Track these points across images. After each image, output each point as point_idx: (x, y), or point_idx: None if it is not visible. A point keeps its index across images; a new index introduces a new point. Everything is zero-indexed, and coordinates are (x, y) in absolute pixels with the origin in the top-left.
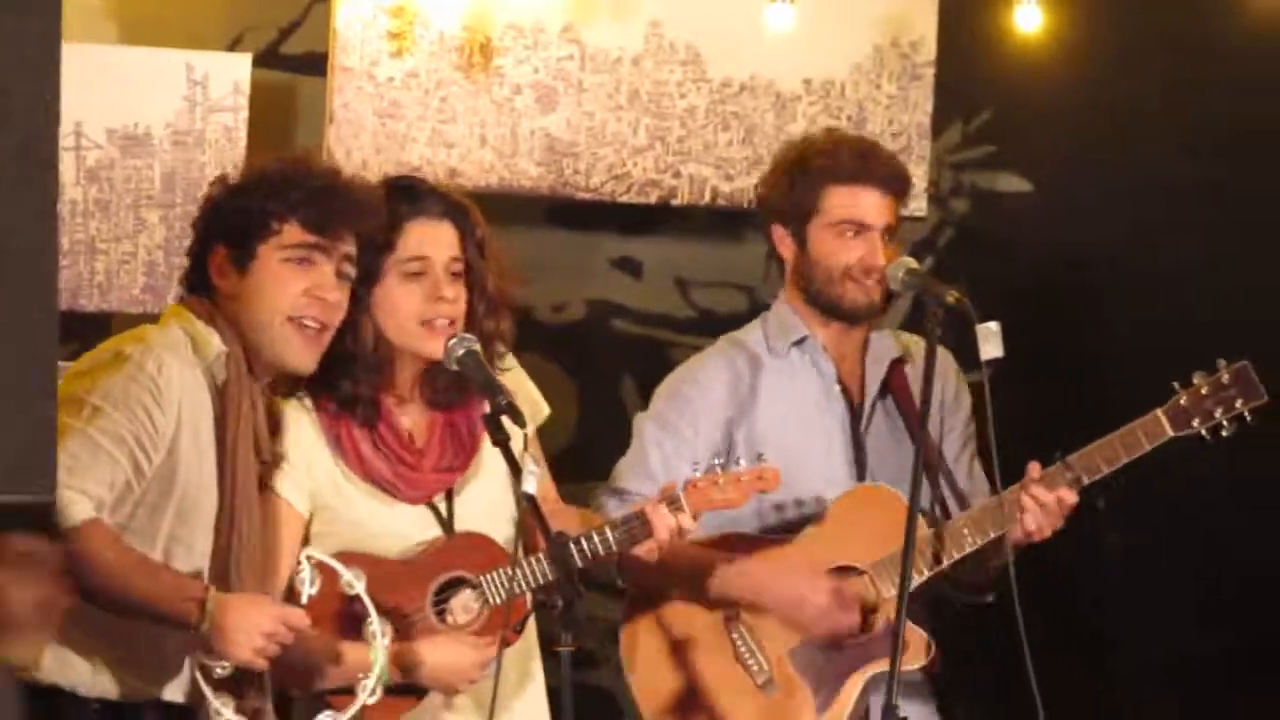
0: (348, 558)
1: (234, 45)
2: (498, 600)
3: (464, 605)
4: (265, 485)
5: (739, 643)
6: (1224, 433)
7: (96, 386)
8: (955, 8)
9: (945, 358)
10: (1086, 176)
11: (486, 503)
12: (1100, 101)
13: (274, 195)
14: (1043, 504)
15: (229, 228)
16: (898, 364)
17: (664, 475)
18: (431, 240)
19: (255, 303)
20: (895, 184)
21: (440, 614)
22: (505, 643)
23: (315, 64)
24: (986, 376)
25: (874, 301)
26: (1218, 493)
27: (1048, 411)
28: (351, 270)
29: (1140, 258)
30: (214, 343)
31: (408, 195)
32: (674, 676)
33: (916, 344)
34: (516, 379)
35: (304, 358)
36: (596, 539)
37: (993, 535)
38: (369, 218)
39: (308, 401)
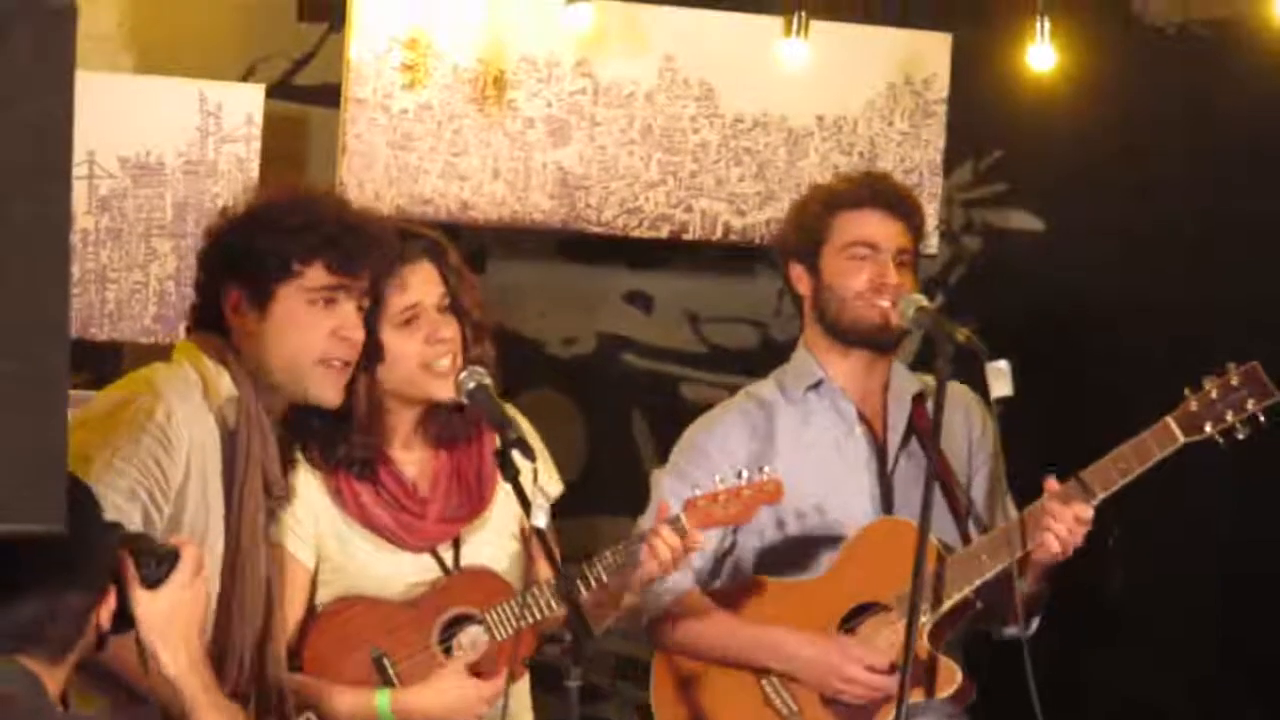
0: (349, 601)
1: (247, 76)
2: (504, 634)
3: (471, 641)
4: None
5: (766, 686)
6: (1238, 435)
7: (107, 440)
8: (968, 46)
9: (969, 395)
10: (1098, 215)
11: (495, 550)
12: (1111, 140)
13: (293, 237)
14: (1060, 521)
15: (244, 267)
16: (919, 401)
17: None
18: (419, 284)
19: (278, 345)
20: (902, 207)
21: (447, 651)
22: (512, 677)
23: (328, 95)
24: (995, 415)
25: (887, 323)
26: (1226, 526)
27: (1059, 448)
28: (367, 303)
29: (1151, 295)
30: (224, 384)
31: None
32: (699, 708)
33: (930, 384)
34: (538, 444)
35: (333, 394)
36: (599, 565)
37: (1010, 560)
38: (387, 254)
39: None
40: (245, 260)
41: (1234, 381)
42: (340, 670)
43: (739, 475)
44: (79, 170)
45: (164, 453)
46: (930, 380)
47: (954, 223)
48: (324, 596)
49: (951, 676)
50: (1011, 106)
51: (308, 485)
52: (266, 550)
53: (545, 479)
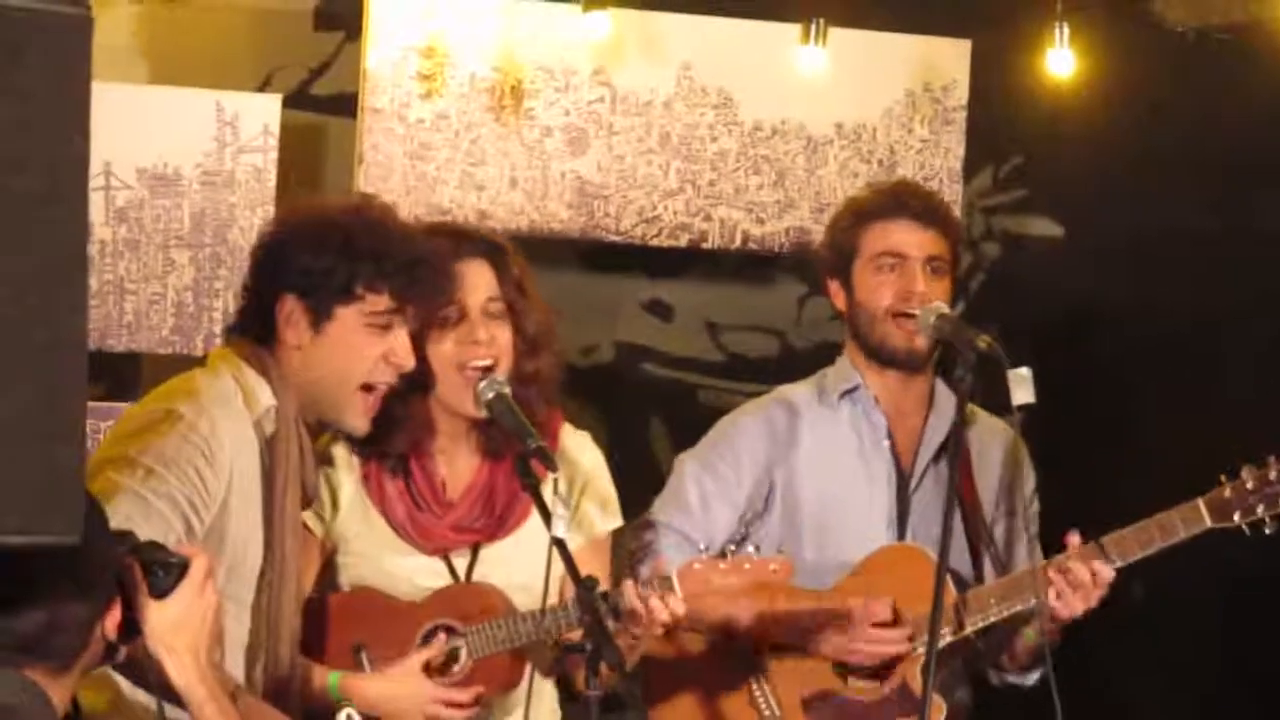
0: (355, 591)
1: (264, 86)
2: (478, 654)
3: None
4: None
5: (754, 687)
6: (1265, 529)
7: (149, 447)
8: (988, 52)
9: (1011, 435)
10: (1117, 221)
11: (519, 570)
12: (1132, 146)
13: (364, 260)
14: (1077, 581)
15: (305, 282)
16: (959, 427)
17: (701, 512)
18: (466, 283)
19: (327, 363)
20: (931, 216)
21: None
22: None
23: (345, 105)
24: (1018, 421)
25: (914, 345)
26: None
27: (1078, 455)
28: (415, 328)
29: (1170, 300)
30: (264, 396)
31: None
32: (684, 710)
33: (981, 414)
34: (598, 475)
35: (363, 421)
36: (560, 615)
37: (1019, 608)
38: (448, 286)
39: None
40: (307, 275)
41: (1272, 475)
42: (325, 653)
43: (751, 548)
44: (96, 181)
45: (206, 464)
46: (979, 411)
47: (974, 230)
48: (344, 580)
49: (938, 711)
50: (1031, 112)
51: (339, 461)
52: (302, 562)
53: (599, 512)
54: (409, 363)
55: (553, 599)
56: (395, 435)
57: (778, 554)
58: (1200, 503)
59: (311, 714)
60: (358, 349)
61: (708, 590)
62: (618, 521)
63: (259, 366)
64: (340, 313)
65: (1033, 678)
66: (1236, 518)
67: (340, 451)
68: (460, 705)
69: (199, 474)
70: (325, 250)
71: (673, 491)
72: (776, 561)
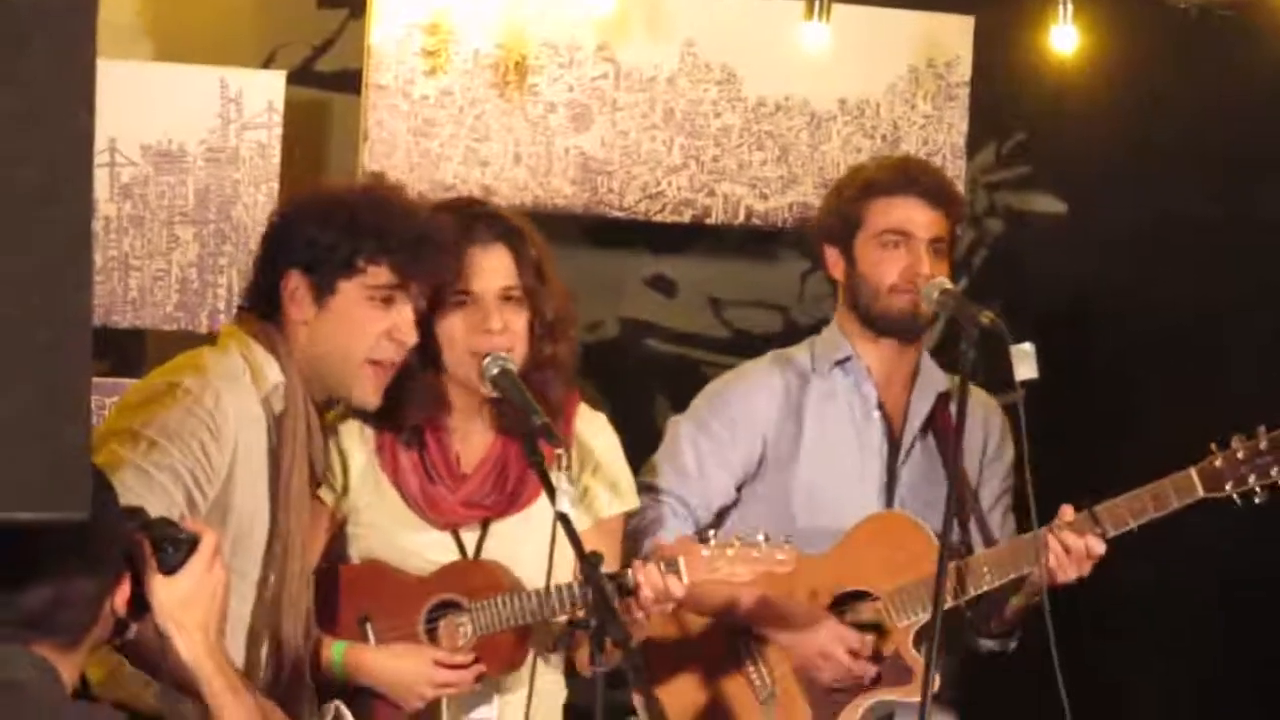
0: (366, 564)
1: (268, 62)
2: (482, 630)
3: (450, 629)
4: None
5: (745, 656)
6: (1256, 499)
7: (153, 420)
8: (991, 28)
9: (990, 404)
10: (1121, 197)
11: (529, 548)
12: (1135, 123)
13: (364, 235)
14: (1070, 549)
15: (308, 256)
16: (943, 399)
17: (697, 474)
18: (482, 269)
19: (332, 338)
20: (939, 196)
21: (430, 634)
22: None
23: (349, 81)
24: (1021, 398)
25: (918, 312)
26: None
27: (1079, 431)
28: (424, 305)
29: (1173, 277)
30: (272, 372)
31: (459, 221)
32: (679, 688)
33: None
34: (611, 458)
35: (373, 396)
36: (565, 594)
37: (1012, 576)
38: (452, 264)
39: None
40: (311, 250)
41: (1262, 446)
42: (333, 624)
43: (761, 536)
44: (100, 158)
45: (210, 437)
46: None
47: (977, 206)
48: (354, 552)
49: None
50: (1034, 89)
51: (350, 432)
52: (312, 540)
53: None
54: (411, 338)
55: (564, 578)
56: (409, 407)
57: (784, 544)
58: (1192, 472)
59: (319, 685)
60: (360, 323)
61: (713, 577)
62: (631, 504)
63: (267, 343)
64: (343, 286)
65: (1012, 644)
66: (1228, 487)
67: (353, 423)
68: (462, 679)
69: (203, 447)
70: (330, 226)
71: (668, 454)
72: (784, 551)
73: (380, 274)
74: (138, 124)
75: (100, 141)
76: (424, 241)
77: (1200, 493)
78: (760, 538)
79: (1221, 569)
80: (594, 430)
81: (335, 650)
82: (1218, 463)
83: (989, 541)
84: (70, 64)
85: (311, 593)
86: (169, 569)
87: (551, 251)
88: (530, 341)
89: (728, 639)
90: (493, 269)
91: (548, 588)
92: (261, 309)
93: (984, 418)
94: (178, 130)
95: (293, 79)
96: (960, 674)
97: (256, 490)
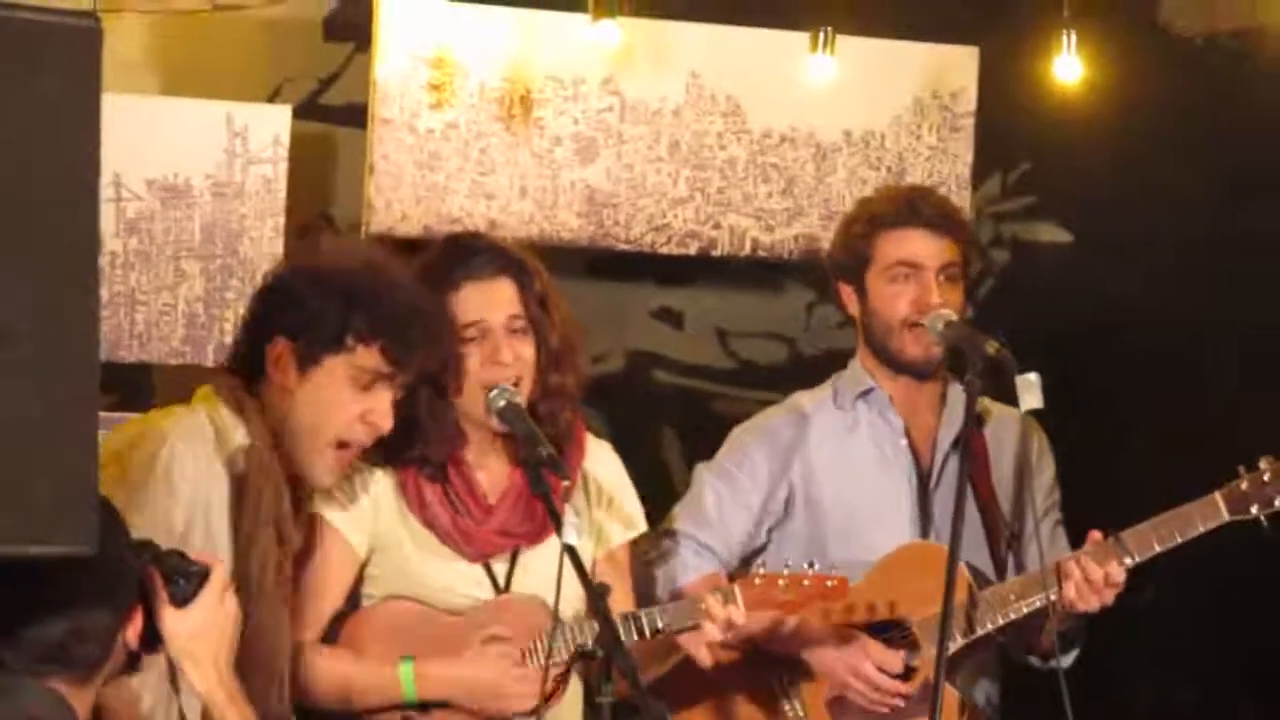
0: (397, 600)
1: (274, 96)
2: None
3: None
4: (283, 572)
5: (777, 686)
6: None
7: (117, 490)
8: (995, 59)
9: (1029, 423)
10: (1126, 227)
11: (552, 574)
12: (1140, 153)
13: (357, 312)
14: (1090, 579)
15: (298, 324)
16: (966, 433)
17: (718, 520)
18: (487, 302)
19: (306, 412)
20: (945, 224)
21: None
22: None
23: (355, 115)
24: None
25: (930, 355)
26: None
27: (1087, 460)
28: (401, 394)
29: (1180, 308)
30: (237, 437)
31: (461, 255)
32: (712, 717)
33: (996, 408)
34: (619, 486)
35: (329, 478)
36: (645, 619)
37: (1038, 603)
38: (442, 350)
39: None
40: (301, 318)
41: None
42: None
43: (809, 564)
44: (106, 193)
45: (166, 495)
46: (993, 406)
47: (983, 236)
48: (375, 591)
49: (956, 707)
50: (1039, 119)
51: (372, 478)
52: (282, 603)
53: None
54: (386, 425)
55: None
56: (433, 444)
57: (836, 575)
58: (1217, 496)
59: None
60: (338, 405)
61: (768, 605)
62: (639, 529)
63: (236, 406)
64: (328, 361)
65: (1067, 660)
66: (1254, 510)
67: (369, 473)
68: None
69: (165, 512)
70: (321, 295)
71: (692, 500)
72: (834, 579)
73: (369, 356)
74: (143, 158)
75: (105, 176)
76: (419, 326)
77: (1225, 517)
78: (807, 566)
79: (1218, 575)
80: (602, 460)
81: (404, 666)
82: (1243, 486)
83: (1022, 561)
84: (76, 98)
85: (284, 664)
86: (181, 601)
87: (555, 282)
88: (537, 371)
89: (760, 672)
90: (498, 300)
91: (560, 581)
92: (245, 371)
93: (1019, 434)
94: (183, 164)
95: (298, 113)
96: (1003, 701)
97: (216, 545)
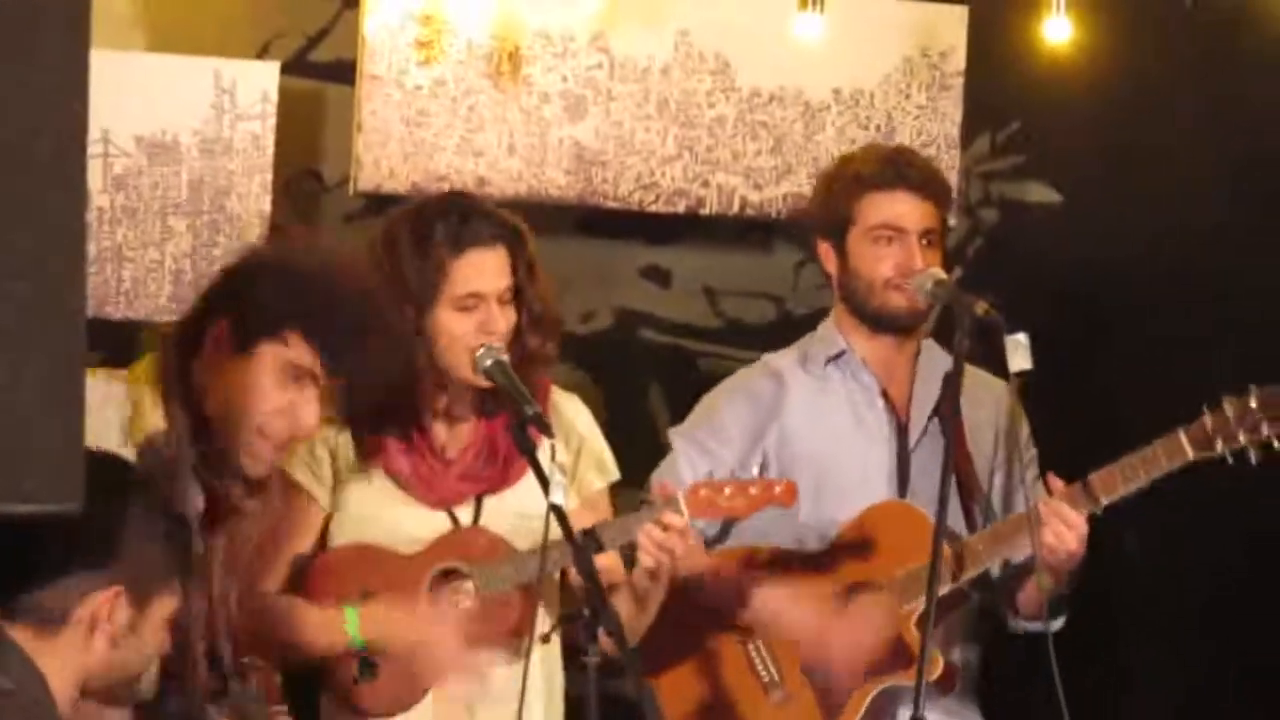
0: (353, 545)
1: (262, 53)
2: (486, 588)
3: (454, 593)
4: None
5: (752, 649)
6: (1251, 458)
7: None
8: (985, 18)
9: (1003, 388)
10: (1116, 187)
11: (515, 518)
12: (1129, 112)
13: (301, 303)
14: (1067, 520)
15: (242, 307)
16: (950, 381)
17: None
18: (485, 272)
19: (234, 395)
20: (930, 188)
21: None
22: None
23: (343, 72)
24: (1015, 389)
25: (915, 307)
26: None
27: (1075, 421)
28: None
29: (1170, 268)
30: (156, 418)
31: (460, 219)
32: (685, 680)
33: (968, 371)
34: (592, 433)
35: (259, 467)
36: (601, 533)
37: (1009, 553)
38: (396, 362)
39: None
40: (246, 302)
41: (1252, 403)
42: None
43: (758, 470)
44: (94, 149)
45: None
46: (967, 367)
47: (972, 195)
48: (332, 539)
49: (934, 663)
50: (1028, 78)
51: (328, 430)
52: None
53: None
54: (306, 423)
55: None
56: (396, 416)
57: (784, 479)
58: (1181, 433)
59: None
60: (262, 392)
61: (712, 513)
62: (615, 477)
63: (164, 386)
64: (262, 348)
65: (1055, 625)
66: (1219, 446)
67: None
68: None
69: None
70: (273, 284)
71: (666, 468)
72: (781, 484)
73: (302, 353)
74: (131, 115)
75: (93, 132)
76: (360, 336)
77: (1190, 453)
78: (755, 472)
79: (1213, 562)
80: (573, 409)
81: (349, 612)
82: (1207, 423)
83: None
84: (64, 54)
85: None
86: None
87: (542, 240)
88: (516, 333)
89: (734, 634)
90: (495, 271)
91: (545, 544)
92: (187, 346)
93: (996, 397)
94: (171, 121)
95: (287, 69)
96: (983, 664)
97: None
